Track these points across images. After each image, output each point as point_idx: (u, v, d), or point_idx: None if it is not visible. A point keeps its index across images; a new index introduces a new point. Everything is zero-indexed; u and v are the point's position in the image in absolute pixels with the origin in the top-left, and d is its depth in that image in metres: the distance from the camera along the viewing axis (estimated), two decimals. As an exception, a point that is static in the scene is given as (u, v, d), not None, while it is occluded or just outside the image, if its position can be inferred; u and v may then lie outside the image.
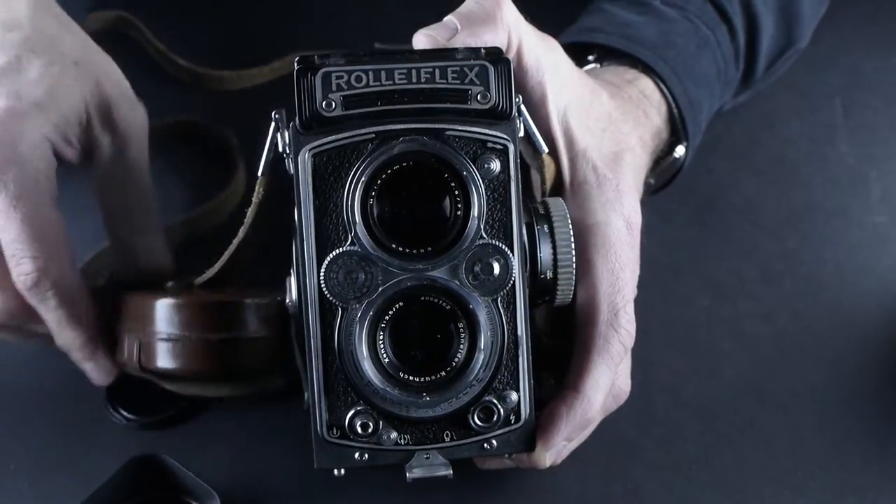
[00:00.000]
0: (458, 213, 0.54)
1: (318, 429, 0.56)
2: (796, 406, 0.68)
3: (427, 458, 0.56)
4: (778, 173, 0.82)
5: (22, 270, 0.61)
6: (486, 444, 0.57)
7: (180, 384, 0.65)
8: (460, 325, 0.54)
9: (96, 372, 0.66)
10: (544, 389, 0.60)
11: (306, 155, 0.54)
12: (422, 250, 0.54)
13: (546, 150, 0.61)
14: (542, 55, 0.61)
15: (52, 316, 0.63)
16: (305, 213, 0.54)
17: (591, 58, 0.73)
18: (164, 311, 0.62)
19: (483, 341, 0.54)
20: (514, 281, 0.55)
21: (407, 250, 0.54)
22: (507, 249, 0.55)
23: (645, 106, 0.70)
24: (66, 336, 0.64)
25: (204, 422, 0.68)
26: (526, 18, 0.61)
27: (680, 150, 0.73)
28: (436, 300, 0.54)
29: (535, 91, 0.62)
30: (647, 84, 0.71)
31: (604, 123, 0.65)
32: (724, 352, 0.71)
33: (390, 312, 0.54)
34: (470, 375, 0.54)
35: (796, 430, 0.67)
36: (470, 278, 0.54)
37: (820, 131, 0.85)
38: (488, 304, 0.55)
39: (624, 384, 0.63)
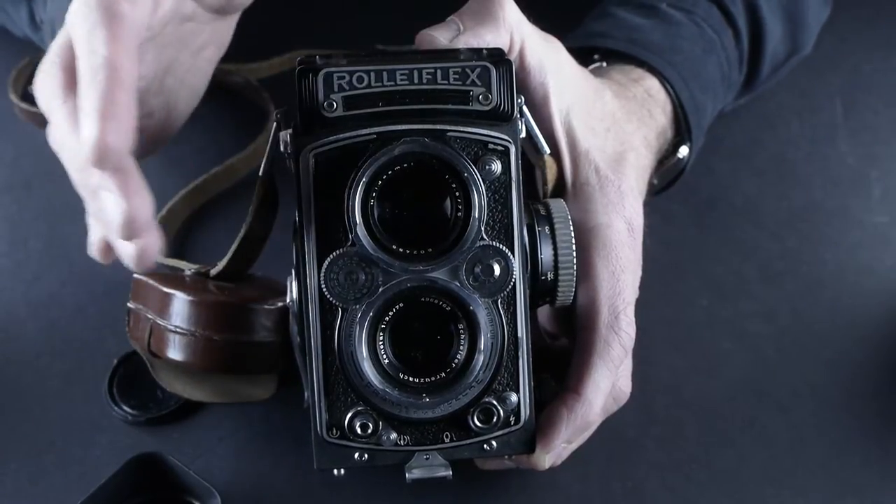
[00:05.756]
0: (459, 214, 0.53)
1: (318, 429, 0.56)
2: (796, 406, 0.69)
3: (427, 458, 0.56)
4: (778, 173, 0.82)
5: None
6: (485, 446, 0.57)
7: (173, 380, 0.66)
8: (460, 326, 0.54)
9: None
10: (545, 391, 0.60)
11: (307, 155, 0.54)
12: (422, 251, 0.54)
13: (548, 151, 0.61)
14: (545, 56, 0.61)
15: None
16: (306, 214, 0.54)
17: (596, 56, 0.73)
18: (178, 306, 0.63)
19: (483, 343, 0.54)
20: (514, 282, 0.55)
21: (407, 251, 0.53)
22: (507, 251, 0.54)
23: (650, 105, 0.70)
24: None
25: (205, 421, 0.68)
26: (530, 20, 0.61)
27: (684, 151, 0.73)
28: (436, 301, 0.54)
29: (537, 92, 0.61)
30: (652, 83, 0.71)
31: (607, 123, 0.65)
32: (724, 351, 0.71)
33: (390, 313, 0.54)
34: (470, 377, 0.54)
35: (796, 429, 0.67)
36: (470, 280, 0.54)
37: (820, 132, 0.85)
38: (488, 305, 0.55)
39: (624, 386, 0.63)
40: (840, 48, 0.90)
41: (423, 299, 0.54)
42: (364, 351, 0.54)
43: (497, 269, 0.54)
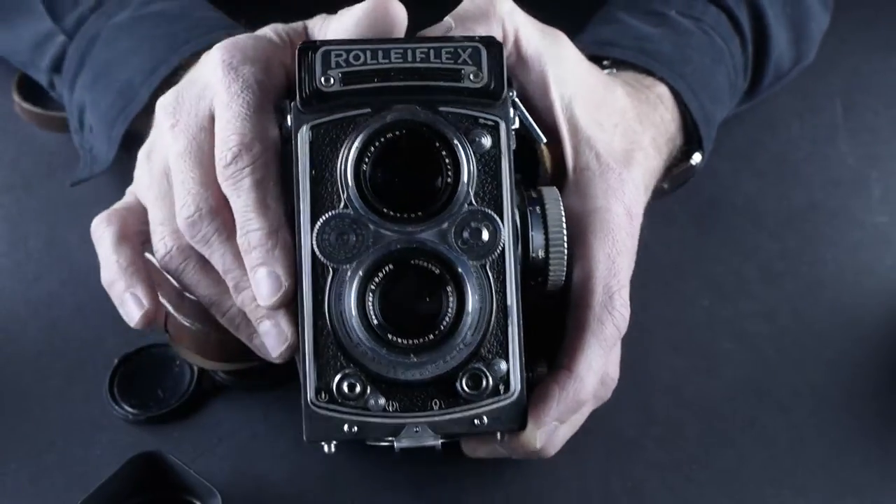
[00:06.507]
0: (449, 180, 0.55)
1: (307, 395, 0.56)
2: (796, 406, 0.69)
3: (417, 431, 0.56)
4: (779, 174, 0.82)
5: (227, 145, 0.58)
6: (476, 420, 0.56)
7: (189, 351, 0.67)
8: (449, 288, 0.55)
9: (268, 281, 0.57)
10: (537, 376, 0.60)
11: (304, 128, 0.56)
12: (412, 215, 0.55)
13: (545, 140, 0.62)
14: (544, 46, 0.62)
15: (241, 201, 0.58)
16: (302, 184, 0.56)
17: (605, 62, 0.72)
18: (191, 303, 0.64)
19: (471, 304, 0.55)
20: (502, 248, 0.56)
21: (398, 214, 0.55)
22: (496, 216, 0.55)
23: (661, 111, 0.70)
24: (252, 225, 0.58)
25: (205, 421, 0.68)
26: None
27: (697, 158, 0.73)
28: (425, 264, 0.55)
29: (537, 81, 0.62)
30: (663, 90, 0.71)
31: (616, 119, 0.65)
32: (724, 351, 0.71)
33: (380, 275, 0.55)
34: (457, 338, 0.55)
35: (796, 429, 0.67)
36: (459, 243, 0.55)
37: (821, 132, 0.85)
38: (477, 269, 0.55)
39: (613, 372, 0.62)
40: (840, 49, 0.90)
41: (412, 262, 0.55)
42: (353, 309, 0.54)
43: (485, 233, 0.55)
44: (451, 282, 0.55)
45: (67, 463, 0.66)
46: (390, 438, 0.56)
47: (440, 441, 0.56)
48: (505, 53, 0.58)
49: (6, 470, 0.66)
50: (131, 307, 0.62)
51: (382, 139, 0.55)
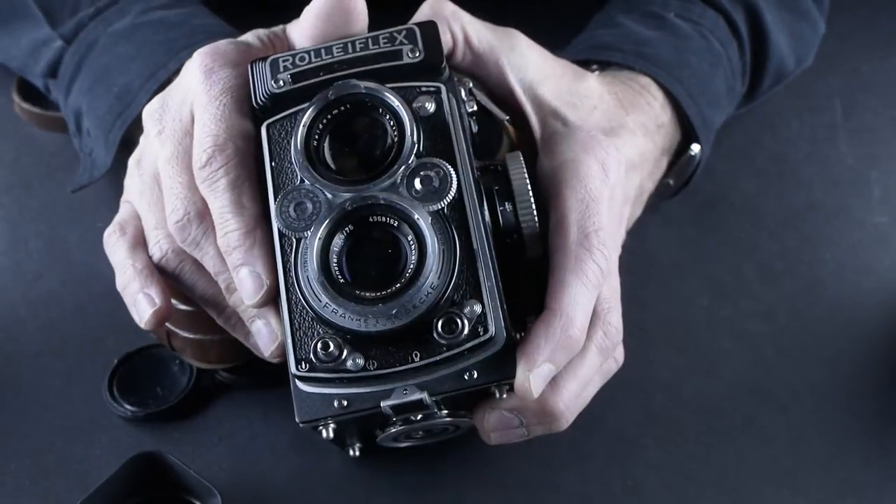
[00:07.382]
0: (395, 139, 0.57)
1: (291, 370, 0.56)
2: (796, 405, 0.69)
3: (405, 392, 0.56)
4: (778, 173, 0.82)
5: (202, 147, 0.59)
6: (465, 375, 0.56)
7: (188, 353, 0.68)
8: (409, 238, 0.55)
9: (250, 280, 0.58)
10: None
11: (262, 129, 0.59)
12: (364, 176, 0.56)
13: (506, 117, 0.63)
14: (496, 39, 0.63)
15: (217, 202, 0.59)
16: (268, 178, 0.58)
17: (594, 67, 0.72)
18: (184, 316, 0.65)
19: (431, 247, 0.54)
20: (458, 193, 0.56)
21: (351, 178, 0.56)
22: (445, 163, 0.56)
23: (647, 97, 0.70)
24: (229, 226, 0.59)
25: (205, 421, 0.68)
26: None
27: (695, 148, 0.73)
28: (382, 218, 0.55)
29: (494, 73, 0.64)
30: (647, 80, 0.71)
31: (594, 101, 0.66)
32: (724, 351, 0.71)
33: (342, 235, 0.55)
34: (422, 281, 0.54)
35: (796, 429, 0.67)
36: (412, 192, 0.56)
37: (820, 132, 0.85)
38: (435, 215, 0.56)
39: (615, 321, 0.61)
40: (839, 49, 0.90)
41: (371, 219, 0.55)
42: (316, 269, 0.54)
43: (436, 179, 0.56)
44: (410, 230, 0.55)
45: (67, 463, 0.67)
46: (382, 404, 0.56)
47: (426, 394, 0.55)
48: (458, 56, 0.62)
49: (6, 470, 0.66)
50: (143, 306, 0.62)
51: (329, 116, 0.57)
